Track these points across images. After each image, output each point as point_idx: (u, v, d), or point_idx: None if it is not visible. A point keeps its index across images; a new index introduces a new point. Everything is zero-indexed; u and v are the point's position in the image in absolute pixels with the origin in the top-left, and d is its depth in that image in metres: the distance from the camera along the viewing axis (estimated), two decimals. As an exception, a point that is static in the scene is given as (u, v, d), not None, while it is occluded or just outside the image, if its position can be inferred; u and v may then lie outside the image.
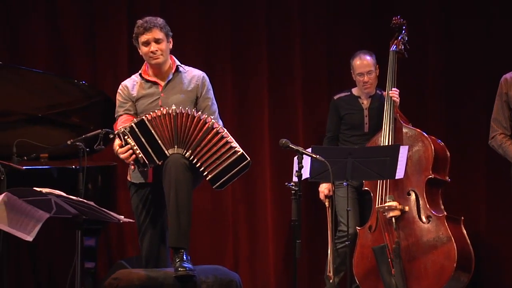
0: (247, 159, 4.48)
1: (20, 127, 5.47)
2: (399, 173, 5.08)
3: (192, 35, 6.13)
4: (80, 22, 6.05)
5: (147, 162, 4.42)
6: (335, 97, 5.71)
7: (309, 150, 4.84)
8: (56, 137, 5.36)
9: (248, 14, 6.24)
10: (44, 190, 3.80)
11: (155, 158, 4.41)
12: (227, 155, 4.44)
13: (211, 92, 4.77)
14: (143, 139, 4.39)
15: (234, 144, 4.47)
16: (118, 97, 4.75)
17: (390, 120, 5.42)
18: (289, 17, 6.29)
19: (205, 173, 4.42)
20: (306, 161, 4.80)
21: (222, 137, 4.44)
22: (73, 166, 5.01)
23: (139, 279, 4.32)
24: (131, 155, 4.41)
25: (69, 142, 4.71)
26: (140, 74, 4.73)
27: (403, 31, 5.62)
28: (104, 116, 5.30)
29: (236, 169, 4.46)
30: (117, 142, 4.48)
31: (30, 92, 5.45)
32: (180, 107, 4.45)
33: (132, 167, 4.49)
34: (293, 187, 4.54)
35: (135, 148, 4.39)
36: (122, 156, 4.44)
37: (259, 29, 6.24)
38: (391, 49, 5.59)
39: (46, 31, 5.99)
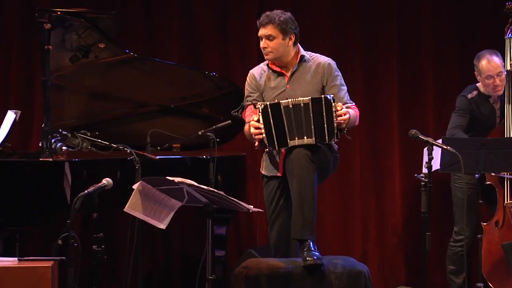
0: (320, 97, 4.43)
1: (154, 117, 5.60)
2: (538, 165, 4.93)
3: (322, 30, 6.15)
4: (212, 13, 6.16)
5: (267, 143, 4.48)
6: (469, 96, 5.38)
7: (439, 141, 4.77)
8: (187, 127, 5.46)
9: (378, 8, 6.20)
10: (177, 179, 3.88)
11: (276, 144, 4.46)
12: (308, 112, 4.43)
13: (339, 78, 4.71)
14: (271, 122, 4.44)
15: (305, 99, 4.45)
16: (246, 86, 4.82)
17: None
18: (420, 10, 6.20)
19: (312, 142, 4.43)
20: (436, 152, 4.73)
21: (302, 105, 4.44)
22: (204, 156, 5.10)
23: (268, 268, 4.37)
24: (257, 131, 4.48)
25: (200, 133, 4.83)
26: (268, 65, 4.77)
27: None
28: (234, 107, 5.37)
29: (325, 114, 4.41)
30: (247, 122, 4.58)
31: (164, 84, 5.58)
32: (304, 98, 4.46)
33: (256, 144, 4.54)
34: (423, 178, 4.50)
35: (261, 127, 4.45)
36: (249, 129, 4.53)
37: (390, 23, 6.20)
38: (507, 36, 5.35)
39: (180, 23, 6.13)
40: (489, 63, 5.29)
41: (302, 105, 4.44)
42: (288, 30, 4.64)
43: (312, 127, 4.43)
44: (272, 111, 4.45)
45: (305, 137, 4.45)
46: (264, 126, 4.45)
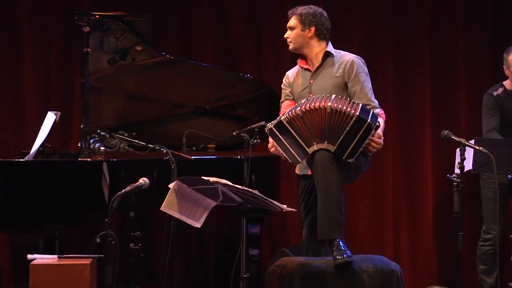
0: (366, 120, 4.20)
1: (190, 118, 5.65)
2: None
3: (354, 30, 6.14)
4: (246, 16, 6.18)
5: (289, 160, 4.37)
6: (495, 94, 5.38)
7: (472, 141, 4.74)
8: (222, 128, 5.49)
9: (410, 8, 6.17)
10: (212, 179, 3.89)
11: (296, 156, 4.33)
12: (345, 122, 4.23)
13: (363, 74, 4.61)
14: (282, 139, 4.33)
15: (352, 110, 4.23)
16: (282, 85, 4.83)
17: None
18: (453, 10, 6.16)
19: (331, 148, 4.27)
20: (469, 153, 4.70)
21: (342, 112, 4.23)
22: (238, 156, 5.11)
23: (302, 266, 4.36)
24: (276, 151, 4.40)
25: (234, 133, 4.84)
26: (297, 63, 4.77)
27: None
28: (268, 108, 5.39)
29: (359, 134, 4.22)
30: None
31: (199, 85, 5.62)
32: (307, 100, 4.35)
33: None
34: (455, 179, 4.47)
35: (278, 147, 4.36)
36: (271, 150, 4.48)
37: (422, 22, 6.17)
38: None
39: (214, 25, 6.16)
40: None
41: (329, 110, 4.24)
42: (307, 21, 4.64)
43: (341, 138, 4.25)
44: (278, 130, 4.33)
45: (326, 142, 4.29)
46: (278, 145, 4.34)
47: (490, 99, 5.41)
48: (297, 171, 4.79)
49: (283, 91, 4.80)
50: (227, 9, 6.16)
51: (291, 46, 4.72)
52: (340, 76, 4.62)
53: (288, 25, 4.70)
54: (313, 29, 4.66)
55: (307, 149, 4.32)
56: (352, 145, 4.24)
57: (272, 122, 4.36)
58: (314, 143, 4.30)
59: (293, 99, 4.73)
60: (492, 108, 5.39)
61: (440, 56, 6.19)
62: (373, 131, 4.24)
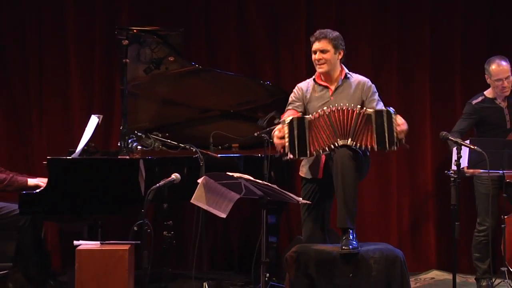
0: (384, 109, 4.33)
1: (216, 121, 5.66)
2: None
3: (362, 39, 6.14)
4: (265, 29, 6.19)
5: (287, 152, 4.40)
6: (474, 102, 5.35)
7: (467, 141, 4.74)
8: (245, 129, 5.49)
9: (413, 23, 6.18)
10: (235, 174, 3.94)
11: (297, 153, 4.38)
12: (371, 121, 4.31)
13: (376, 94, 4.70)
14: (295, 133, 4.36)
15: (371, 110, 4.35)
16: (292, 95, 4.80)
17: None
18: (451, 17, 6.15)
19: (370, 147, 4.33)
20: (465, 152, 4.70)
21: (362, 115, 4.33)
22: (259, 155, 5.13)
23: (316, 253, 4.37)
24: (281, 140, 4.41)
25: (256, 134, 4.87)
26: (314, 79, 4.77)
27: None
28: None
29: (386, 124, 4.30)
30: (277, 127, 4.52)
31: (224, 91, 5.64)
32: (331, 106, 4.40)
33: (280, 151, 4.48)
34: (453, 174, 4.48)
35: (286, 137, 4.38)
36: (275, 138, 4.46)
37: (423, 28, 6.16)
38: None
39: (237, 38, 6.19)
40: (498, 67, 5.27)
41: (358, 112, 4.33)
42: (339, 45, 4.66)
43: (376, 134, 4.31)
44: (297, 124, 4.36)
45: (349, 139, 4.34)
46: (288, 137, 4.36)
47: (469, 107, 5.40)
48: (302, 174, 4.77)
49: (292, 101, 4.76)
50: (248, 23, 6.18)
51: (325, 68, 4.66)
52: (358, 96, 4.67)
53: (319, 48, 4.63)
54: (342, 52, 4.69)
55: (308, 151, 4.36)
56: (387, 135, 4.31)
57: (294, 117, 4.39)
58: (338, 139, 4.36)
59: (301, 112, 4.70)
60: (468, 114, 5.39)
61: (439, 65, 6.17)
62: (393, 115, 4.32)
